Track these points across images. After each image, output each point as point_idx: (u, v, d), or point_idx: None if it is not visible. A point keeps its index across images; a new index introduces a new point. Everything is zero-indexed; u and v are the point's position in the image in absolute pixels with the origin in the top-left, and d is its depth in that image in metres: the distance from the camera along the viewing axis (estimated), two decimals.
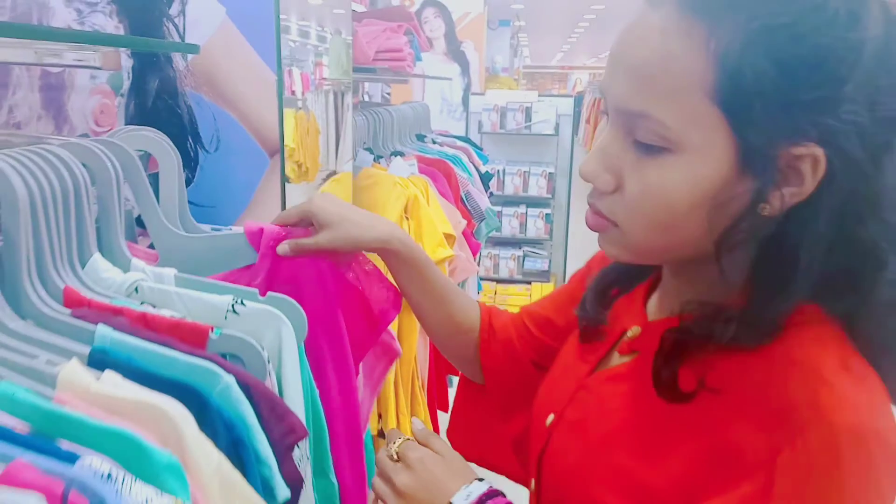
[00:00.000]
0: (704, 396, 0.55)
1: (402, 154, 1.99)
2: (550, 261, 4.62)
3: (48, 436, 0.48)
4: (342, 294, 0.89)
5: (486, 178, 2.60)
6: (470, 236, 2.08)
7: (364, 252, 0.91)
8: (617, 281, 0.75)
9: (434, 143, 2.48)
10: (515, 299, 4.43)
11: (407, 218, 1.70)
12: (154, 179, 0.88)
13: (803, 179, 0.52)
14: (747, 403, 0.53)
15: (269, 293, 0.78)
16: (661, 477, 0.57)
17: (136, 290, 0.72)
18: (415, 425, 0.73)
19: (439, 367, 1.96)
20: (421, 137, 2.46)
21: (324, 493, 0.80)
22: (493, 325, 0.91)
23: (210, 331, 0.68)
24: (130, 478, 0.45)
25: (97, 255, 0.73)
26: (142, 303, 0.71)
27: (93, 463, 0.45)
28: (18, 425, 0.48)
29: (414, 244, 0.88)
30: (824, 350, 0.54)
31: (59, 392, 0.53)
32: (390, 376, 1.73)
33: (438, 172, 2.02)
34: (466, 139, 2.89)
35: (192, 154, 1.12)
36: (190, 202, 0.95)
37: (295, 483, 0.66)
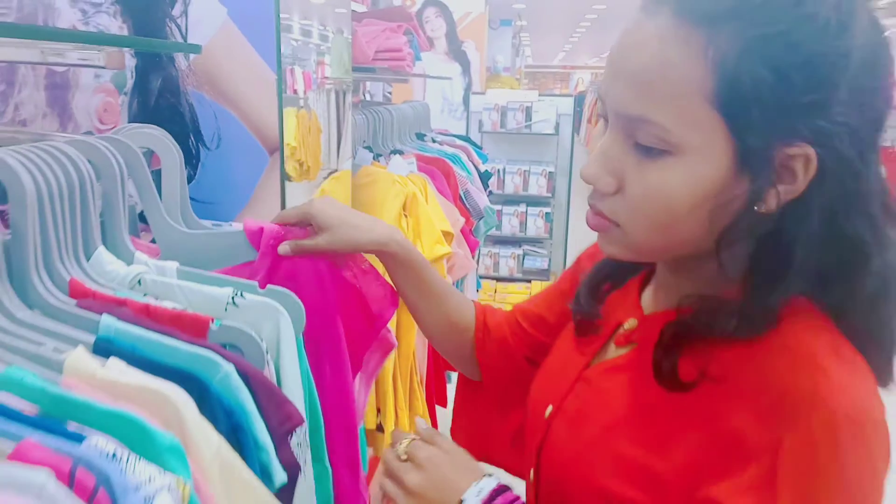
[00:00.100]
0: (704, 385, 0.58)
1: (401, 152, 2.01)
2: (550, 259, 4.64)
3: (56, 418, 0.50)
4: (340, 291, 0.91)
5: (485, 177, 2.62)
6: (468, 234, 2.10)
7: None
8: (609, 276, 0.77)
9: (434, 141, 2.50)
10: (515, 298, 4.45)
11: (405, 215, 1.72)
12: (156, 176, 0.90)
13: (796, 178, 0.55)
14: (747, 391, 0.56)
15: (269, 286, 0.80)
16: (665, 463, 0.59)
17: (139, 282, 0.75)
18: (419, 424, 0.75)
19: (437, 363, 1.99)
20: (421, 136, 2.48)
21: (318, 477, 0.82)
22: (487, 323, 0.93)
23: (210, 322, 0.71)
24: (134, 457, 0.48)
25: (101, 249, 0.75)
26: (145, 294, 0.73)
27: (98, 443, 0.47)
28: (27, 408, 0.50)
29: (411, 247, 0.90)
30: (817, 338, 0.57)
31: (66, 377, 0.55)
32: (388, 372, 1.75)
33: (437, 171, 2.04)
34: (466, 138, 2.91)
35: (193, 151, 1.14)
36: (191, 198, 0.97)
37: (292, 468, 0.68)
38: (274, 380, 0.74)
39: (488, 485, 0.66)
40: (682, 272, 0.65)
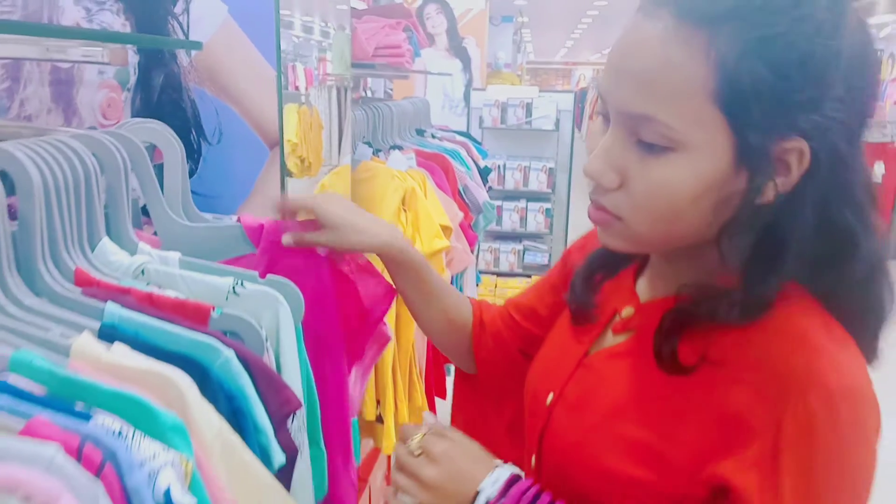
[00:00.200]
0: (704, 369, 0.61)
1: (400, 148, 2.03)
2: (550, 255, 4.66)
3: (63, 398, 0.52)
4: (337, 285, 0.93)
5: (484, 173, 2.64)
6: (467, 228, 2.12)
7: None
8: (602, 267, 0.79)
9: (433, 137, 2.52)
10: (515, 293, 4.44)
11: (404, 210, 1.74)
12: (159, 170, 0.93)
13: (790, 170, 0.58)
14: (746, 373, 0.59)
15: (269, 276, 0.83)
16: (670, 444, 0.61)
17: (143, 272, 0.77)
18: (427, 419, 0.76)
19: (437, 356, 2.01)
20: (420, 132, 2.50)
21: (315, 460, 0.85)
22: (483, 318, 0.95)
23: (212, 310, 0.73)
24: (139, 435, 0.50)
25: (106, 239, 0.77)
26: (148, 284, 0.76)
27: (105, 421, 0.50)
28: (36, 389, 0.53)
29: (411, 249, 0.91)
30: (810, 320, 0.60)
31: (73, 361, 0.58)
32: (388, 364, 1.77)
33: (436, 166, 2.06)
34: (466, 134, 2.92)
35: (195, 146, 1.16)
36: (193, 192, 0.99)
37: (290, 451, 0.70)
38: (273, 367, 0.77)
39: (503, 474, 0.68)
40: (678, 261, 0.68)
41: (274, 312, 0.79)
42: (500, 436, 0.95)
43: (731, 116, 0.56)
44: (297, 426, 0.78)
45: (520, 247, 4.61)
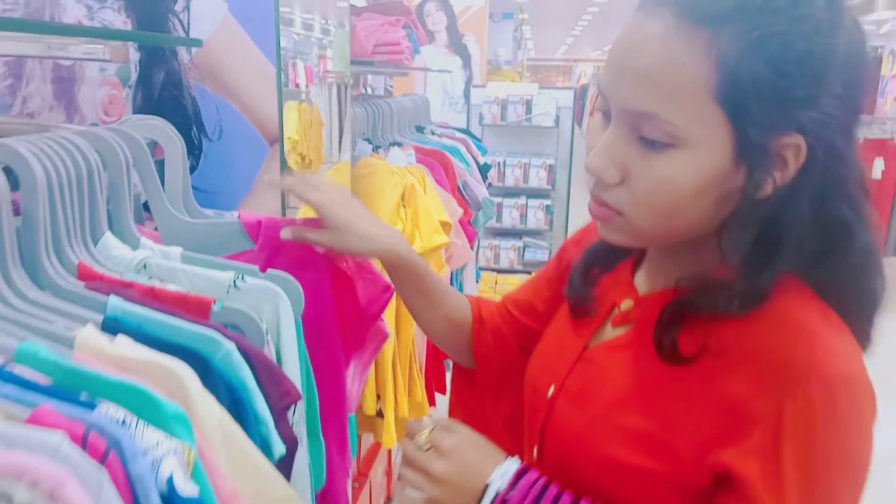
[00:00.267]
0: (704, 359, 0.62)
1: (400, 144, 2.04)
2: (550, 251, 4.66)
3: (68, 388, 0.54)
4: (335, 282, 0.94)
5: (484, 169, 2.65)
6: (467, 225, 2.13)
7: None
8: (599, 261, 0.80)
9: (433, 134, 2.53)
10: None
11: (404, 206, 1.75)
12: (160, 166, 0.94)
13: (787, 165, 0.59)
14: (746, 362, 0.60)
15: (269, 270, 0.84)
16: (672, 433, 0.63)
17: (145, 266, 0.78)
18: (433, 415, 0.77)
19: (437, 352, 2.02)
20: (420, 129, 2.51)
21: (314, 452, 0.86)
22: (482, 315, 0.96)
23: (213, 303, 0.74)
24: (143, 424, 0.51)
25: (108, 234, 0.79)
26: (150, 278, 0.77)
27: (109, 410, 0.51)
28: (42, 379, 0.54)
29: (412, 255, 0.91)
30: (807, 309, 0.62)
31: (77, 352, 0.59)
32: (388, 359, 1.79)
33: (436, 163, 2.07)
34: (465, 131, 2.93)
35: (196, 142, 1.17)
36: (194, 188, 1.00)
37: (290, 442, 0.72)
38: (274, 359, 0.78)
39: (512, 467, 0.69)
40: (675, 254, 0.69)
41: (274, 306, 0.80)
42: (499, 430, 0.96)
43: (732, 113, 0.57)
44: (297, 418, 0.79)
45: (520, 243, 4.62)
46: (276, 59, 1.14)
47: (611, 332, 0.74)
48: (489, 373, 0.97)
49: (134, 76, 1.16)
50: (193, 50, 1.16)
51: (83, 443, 0.47)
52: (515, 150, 4.57)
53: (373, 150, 1.89)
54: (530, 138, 4.58)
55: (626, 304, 0.73)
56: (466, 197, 2.22)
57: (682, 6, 0.57)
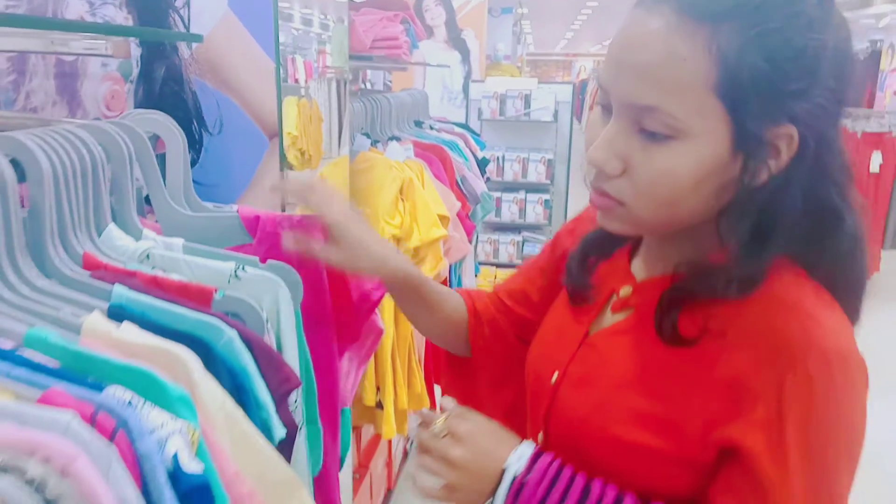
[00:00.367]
0: (705, 340, 0.65)
1: (398, 139, 2.06)
2: None
3: (77, 371, 0.56)
4: (330, 276, 0.96)
5: (482, 164, 2.66)
6: (465, 218, 2.15)
7: None
8: (595, 249, 0.83)
9: (431, 129, 2.55)
10: None
11: (402, 199, 1.77)
12: (161, 160, 0.95)
13: (781, 154, 0.62)
14: (745, 341, 0.63)
15: (269, 261, 0.86)
16: (678, 411, 0.65)
17: (148, 256, 0.80)
18: (446, 402, 0.78)
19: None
20: (419, 124, 2.53)
21: (311, 437, 0.88)
22: (477, 309, 0.97)
23: (214, 292, 0.76)
24: (149, 405, 0.53)
25: (112, 225, 0.81)
26: (153, 268, 0.79)
27: (116, 392, 0.53)
28: (51, 362, 0.56)
29: (413, 270, 0.91)
30: (801, 289, 0.65)
31: (84, 338, 0.61)
32: (387, 351, 1.81)
33: (434, 157, 2.09)
34: (464, 126, 2.95)
35: (196, 136, 1.19)
36: (195, 181, 1.02)
37: (290, 426, 0.74)
38: (274, 347, 0.80)
39: (527, 450, 0.71)
40: (672, 241, 0.71)
41: (274, 296, 0.82)
42: (499, 420, 0.97)
43: (731, 106, 0.60)
44: (297, 405, 0.81)
45: (519, 238, 4.63)
46: (274, 53, 1.16)
47: (610, 319, 0.76)
48: (487, 364, 0.98)
49: (135, 71, 1.18)
50: (194, 45, 1.17)
51: (92, 422, 0.49)
52: (514, 144, 4.58)
53: (371, 144, 1.91)
54: (529, 133, 4.60)
55: (625, 291, 0.76)
56: (464, 191, 2.24)
57: (683, 4, 0.60)
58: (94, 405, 0.50)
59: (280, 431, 0.71)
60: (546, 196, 4.55)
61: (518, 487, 0.68)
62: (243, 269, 0.82)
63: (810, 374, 0.60)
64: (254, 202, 1.20)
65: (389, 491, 2.41)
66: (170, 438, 0.52)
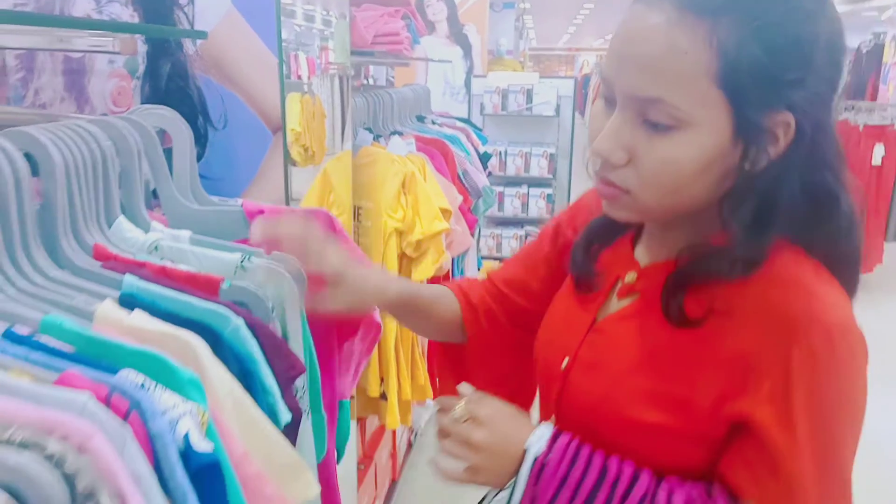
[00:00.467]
0: (710, 319, 0.68)
1: (400, 134, 2.07)
2: None
3: (91, 355, 0.58)
4: None
5: (484, 158, 2.68)
6: (467, 212, 2.17)
7: (350, 240, 1.00)
8: (597, 237, 0.85)
9: (433, 124, 2.56)
10: None
11: (404, 193, 1.79)
12: (167, 154, 0.98)
13: (779, 140, 0.65)
14: (750, 319, 0.66)
15: (274, 252, 0.88)
16: (689, 390, 0.68)
17: (157, 247, 0.82)
18: (464, 389, 0.80)
19: None
20: (421, 118, 2.54)
21: (316, 425, 0.90)
22: (471, 301, 0.98)
23: (221, 282, 0.78)
24: (160, 388, 0.56)
25: (122, 218, 0.83)
26: (161, 258, 0.81)
27: (129, 375, 0.55)
28: (66, 347, 0.58)
29: (407, 287, 0.93)
30: (801, 268, 0.68)
31: (97, 325, 0.63)
32: (390, 343, 1.83)
33: (436, 151, 2.11)
34: (466, 120, 2.96)
35: (202, 131, 1.21)
36: (200, 175, 1.04)
37: (295, 412, 0.76)
38: (279, 335, 0.82)
39: (546, 431, 0.74)
40: (674, 226, 0.74)
41: (279, 286, 0.84)
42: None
43: (731, 95, 0.62)
44: (302, 391, 0.83)
45: (522, 232, 4.65)
46: (277, 49, 1.18)
47: (617, 304, 0.79)
48: (482, 350, 1.00)
49: (141, 68, 1.20)
50: (198, 42, 1.19)
51: (107, 403, 0.52)
52: (516, 139, 4.59)
53: (374, 139, 1.93)
54: (531, 127, 4.61)
55: (630, 277, 0.78)
56: (466, 185, 2.26)
57: None
58: (108, 387, 0.53)
59: (286, 416, 0.73)
60: (549, 190, 4.56)
61: (540, 467, 0.71)
62: (249, 260, 0.84)
63: (814, 347, 0.63)
64: (258, 196, 1.22)
65: (394, 482, 2.44)
66: (181, 419, 0.54)
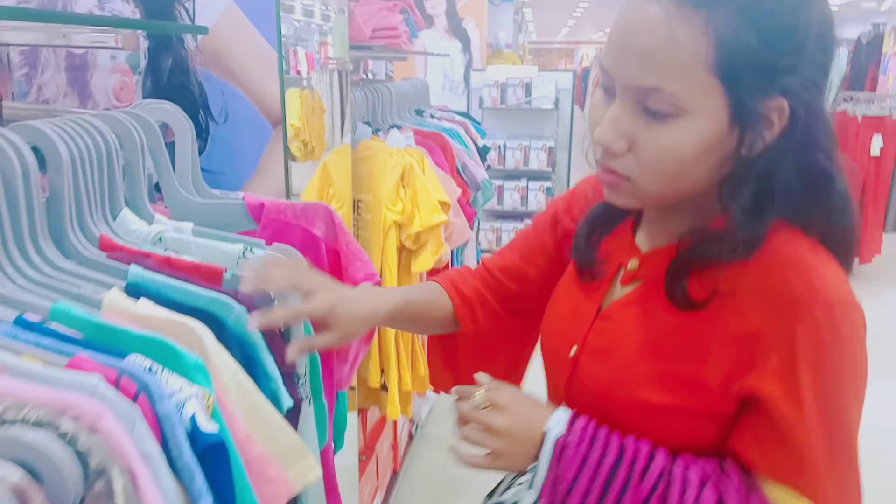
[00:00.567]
0: (715, 301, 0.70)
1: (399, 127, 2.09)
2: None
3: (99, 341, 0.60)
4: (331, 263, 1.00)
5: (483, 152, 2.69)
6: (466, 205, 2.18)
7: (348, 233, 1.02)
8: (597, 226, 0.86)
9: (432, 117, 2.58)
10: None
11: (403, 186, 1.80)
12: (169, 148, 0.99)
13: (773, 125, 0.67)
14: (754, 298, 0.68)
15: (275, 243, 0.90)
16: (698, 369, 0.70)
17: (160, 238, 0.84)
18: (482, 377, 0.81)
19: None
20: (420, 112, 2.56)
21: (317, 412, 0.92)
22: (464, 294, 0.98)
23: (224, 272, 0.80)
24: (167, 372, 0.58)
25: (126, 210, 0.85)
26: (165, 249, 0.83)
27: (137, 359, 0.57)
28: (75, 334, 0.60)
29: (399, 300, 0.91)
30: (800, 246, 0.70)
31: (104, 312, 0.65)
32: (391, 335, 1.85)
33: (434, 144, 2.13)
34: (465, 114, 2.98)
35: (203, 125, 1.23)
36: (201, 169, 1.06)
37: (295, 399, 0.78)
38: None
39: (564, 415, 0.76)
40: (674, 212, 0.76)
41: None
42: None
43: (728, 83, 0.64)
44: (304, 379, 0.85)
45: (521, 225, 4.67)
46: (277, 44, 1.19)
47: (620, 291, 0.81)
48: (475, 337, 1.00)
49: (143, 63, 1.21)
50: (199, 37, 1.21)
51: (116, 385, 0.54)
52: (516, 132, 4.61)
53: (373, 133, 1.94)
54: (530, 121, 4.62)
55: (633, 264, 0.80)
56: (465, 178, 2.28)
57: None
58: (117, 370, 0.55)
59: (288, 401, 0.75)
60: (548, 183, 4.58)
61: (561, 448, 0.73)
62: (251, 250, 0.86)
63: (818, 322, 0.65)
64: (259, 189, 1.24)
65: (395, 473, 2.47)
66: (187, 402, 0.57)
